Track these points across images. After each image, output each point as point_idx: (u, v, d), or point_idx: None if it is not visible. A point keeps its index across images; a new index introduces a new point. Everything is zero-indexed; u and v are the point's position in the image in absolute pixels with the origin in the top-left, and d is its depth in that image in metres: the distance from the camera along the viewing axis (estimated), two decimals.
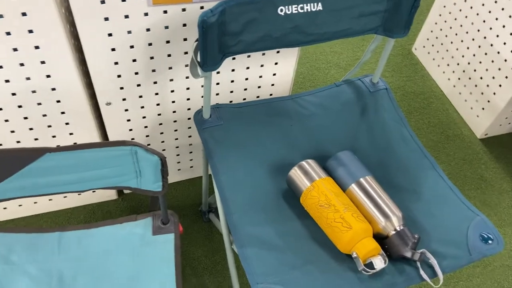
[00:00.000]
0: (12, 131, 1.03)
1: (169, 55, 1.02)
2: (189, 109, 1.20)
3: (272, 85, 1.23)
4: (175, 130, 1.25)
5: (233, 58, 1.11)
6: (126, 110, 1.12)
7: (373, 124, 1.08)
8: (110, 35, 0.92)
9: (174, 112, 1.19)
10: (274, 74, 1.19)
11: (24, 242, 0.93)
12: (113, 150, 0.77)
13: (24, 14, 0.81)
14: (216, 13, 0.80)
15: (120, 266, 0.94)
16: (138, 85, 1.06)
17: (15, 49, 0.86)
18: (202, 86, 1.15)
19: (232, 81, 1.17)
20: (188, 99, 1.17)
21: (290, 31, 0.91)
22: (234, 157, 0.98)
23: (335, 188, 0.89)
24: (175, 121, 1.22)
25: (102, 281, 0.92)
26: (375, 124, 1.07)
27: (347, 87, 1.13)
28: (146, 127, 1.20)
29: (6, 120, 1.00)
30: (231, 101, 1.23)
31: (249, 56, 1.12)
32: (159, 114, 1.18)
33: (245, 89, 1.21)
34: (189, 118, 1.24)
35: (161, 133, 1.24)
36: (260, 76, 1.19)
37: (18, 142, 1.06)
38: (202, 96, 1.18)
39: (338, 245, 0.85)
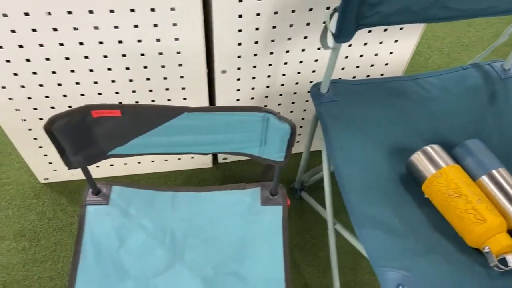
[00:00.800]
0: (134, 91, 1.07)
1: (291, 25, 1.00)
2: (297, 83, 1.18)
3: (386, 64, 1.17)
4: (279, 104, 1.24)
5: None
6: (238, 79, 1.12)
7: (502, 112, 0.99)
8: (240, 0, 0.91)
9: (282, 85, 1.18)
10: (391, 53, 1.13)
11: (141, 198, 0.97)
12: (246, 115, 0.77)
13: None
14: None
15: (228, 231, 0.95)
16: (255, 55, 1.06)
17: (152, 10, 0.88)
18: (316, 60, 1.12)
19: (346, 57, 1.13)
20: (299, 73, 1.15)
21: (430, 5, 0.85)
22: (350, 135, 0.95)
23: (465, 178, 0.83)
24: (280, 95, 1.21)
25: (211, 243, 0.94)
26: (505, 113, 0.99)
27: (474, 71, 1.04)
28: (252, 98, 1.19)
29: (131, 80, 1.04)
30: (340, 78, 1.19)
31: (370, 32, 1.07)
32: (267, 86, 1.17)
33: (357, 67, 1.16)
34: (295, 93, 1.22)
35: (265, 105, 1.24)
36: (376, 54, 1.13)
37: (136, 102, 1.11)
38: (313, 71, 1.15)
39: (467, 237, 0.79)
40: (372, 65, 1.16)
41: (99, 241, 0.91)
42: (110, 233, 0.92)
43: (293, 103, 1.25)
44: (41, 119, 1.11)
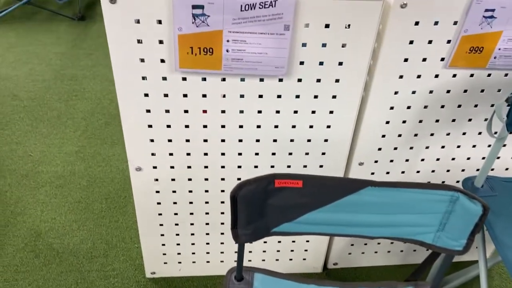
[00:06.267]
0: None
1: (437, 121, 1.02)
2: (429, 182, 1.15)
3: None
4: None
5: None
6: (372, 173, 1.10)
7: None
8: (396, 93, 0.95)
9: None
10: None
11: None
12: (434, 193, 0.73)
13: (340, 63, 0.89)
14: None
15: None
16: (395, 149, 1.06)
17: (315, 96, 0.93)
18: (453, 159, 1.10)
19: (483, 158, 1.11)
20: (433, 171, 1.13)
21: None
22: None
23: None
24: None
25: None
26: None
27: None
28: None
29: (272, 166, 1.05)
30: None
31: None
32: None
33: (492, 169, 1.13)
34: None
35: None
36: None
37: None
38: (448, 170, 1.13)
39: None
40: (506, 169, 1.13)
41: None
42: None
43: None
44: (175, 203, 1.11)
